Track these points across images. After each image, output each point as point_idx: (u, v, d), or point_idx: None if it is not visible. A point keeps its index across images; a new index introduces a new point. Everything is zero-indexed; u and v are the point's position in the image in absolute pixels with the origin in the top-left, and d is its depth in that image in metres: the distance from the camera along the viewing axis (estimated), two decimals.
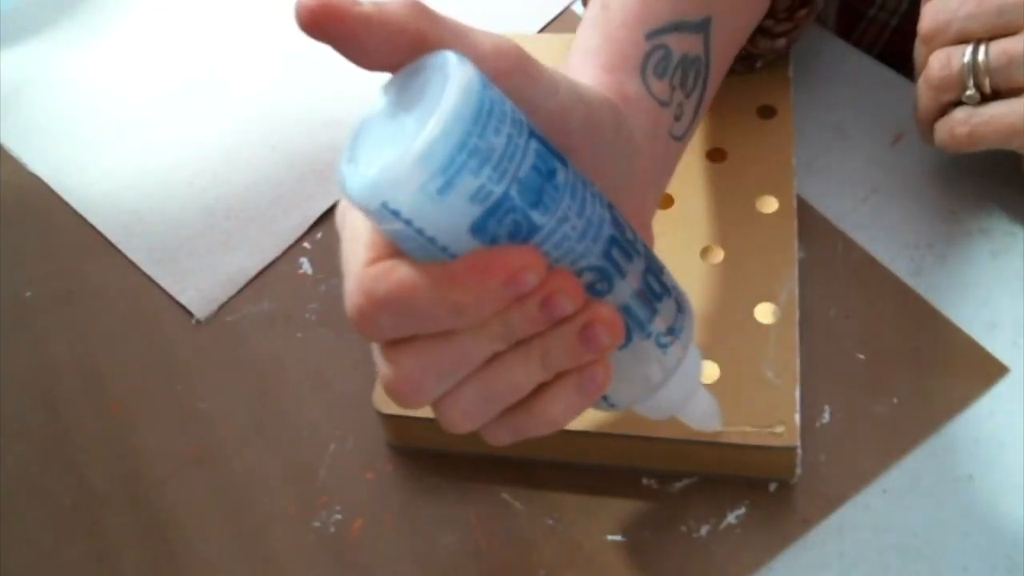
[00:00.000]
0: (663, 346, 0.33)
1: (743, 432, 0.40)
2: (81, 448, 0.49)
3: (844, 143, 0.52)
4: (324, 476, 0.45)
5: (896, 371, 0.44)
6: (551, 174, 0.28)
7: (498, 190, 0.27)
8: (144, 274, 0.55)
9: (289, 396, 0.48)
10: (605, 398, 0.34)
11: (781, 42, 0.50)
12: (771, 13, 0.48)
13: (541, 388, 0.31)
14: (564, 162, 0.29)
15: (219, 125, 0.61)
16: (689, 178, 0.49)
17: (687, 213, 0.48)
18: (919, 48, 0.45)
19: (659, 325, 0.33)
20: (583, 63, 0.38)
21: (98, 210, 0.58)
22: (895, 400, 0.43)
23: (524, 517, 0.43)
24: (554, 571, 0.41)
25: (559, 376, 0.31)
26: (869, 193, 0.50)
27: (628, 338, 0.32)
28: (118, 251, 0.56)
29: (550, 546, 0.42)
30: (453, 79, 0.26)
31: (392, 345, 0.30)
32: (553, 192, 0.28)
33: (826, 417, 0.43)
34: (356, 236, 0.30)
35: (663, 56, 0.38)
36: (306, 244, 0.54)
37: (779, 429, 0.40)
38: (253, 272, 0.54)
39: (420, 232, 0.27)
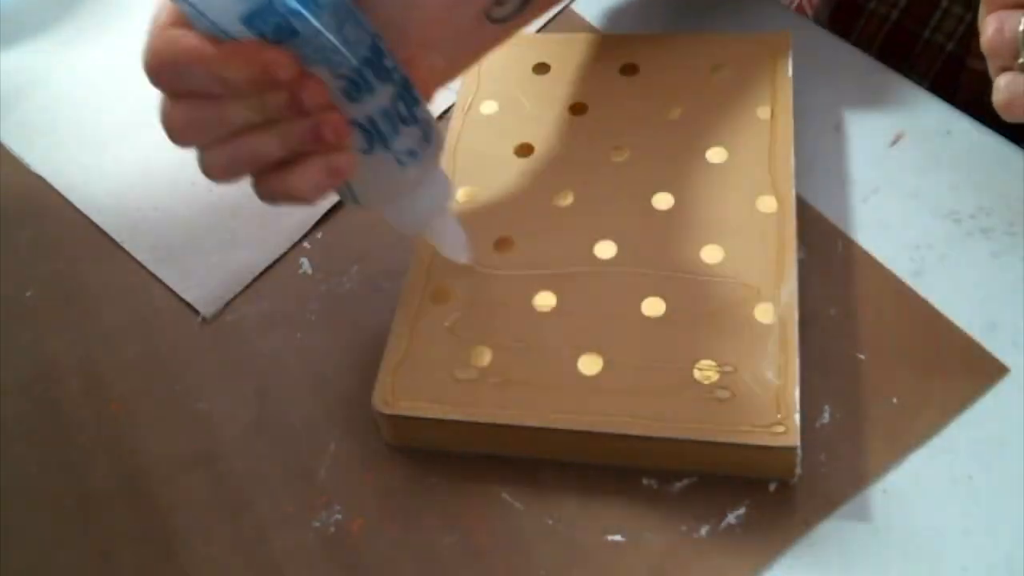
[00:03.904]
0: (402, 164, 0.40)
1: (743, 432, 0.40)
2: (81, 448, 0.49)
3: (844, 143, 0.52)
4: (324, 476, 0.45)
5: (896, 371, 0.44)
6: None
7: None
8: (143, 274, 0.55)
9: (289, 396, 0.48)
10: (353, 195, 0.42)
11: None
12: None
13: (296, 161, 0.38)
14: None
15: None
16: (689, 178, 0.49)
17: (687, 213, 0.48)
18: (982, 10, 0.44)
19: (401, 144, 0.40)
20: None
21: (102, 209, 0.58)
22: (895, 400, 0.43)
23: (524, 517, 0.43)
24: (554, 571, 0.41)
25: (310, 155, 0.38)
26: (869, 193, 0.50)
27: (370, 145, 0.39)
28: (118, 251, 0.56)
29: (550, 546, 0.42)
30: None
31: (173, 95, 0.38)
32: (314, 8, 0.35)
33: (826, 417, 0.43)
34: (164, 5, 0.38)
35: None
36: (306, 244, 0.54)
37: (779, 429, 0.40)
38: (259, 269, 0.54)
39: (203, 14, 0.35)
